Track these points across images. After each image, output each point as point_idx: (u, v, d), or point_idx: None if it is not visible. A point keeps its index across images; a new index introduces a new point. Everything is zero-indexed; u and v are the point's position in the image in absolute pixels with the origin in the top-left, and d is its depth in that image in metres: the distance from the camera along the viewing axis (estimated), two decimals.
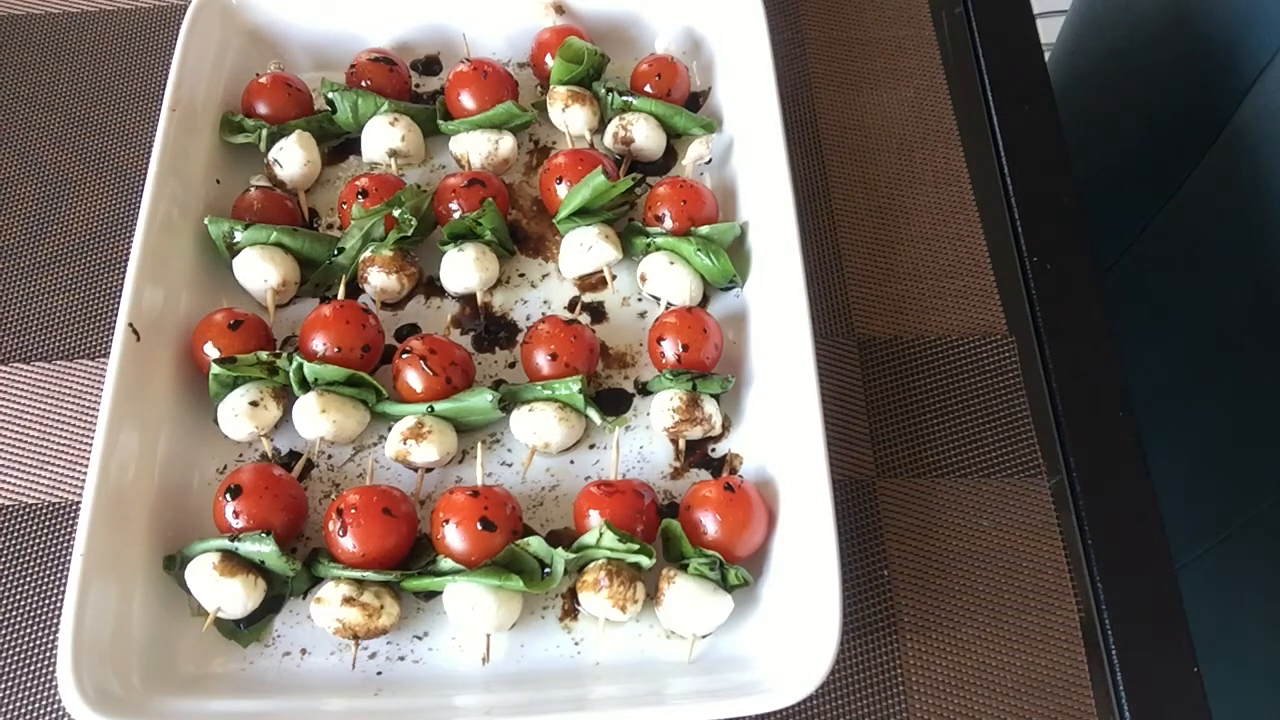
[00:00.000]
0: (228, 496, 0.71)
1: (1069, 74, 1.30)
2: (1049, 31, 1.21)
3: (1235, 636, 1.19)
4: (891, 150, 0.92)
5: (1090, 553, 0.76)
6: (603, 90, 0.89)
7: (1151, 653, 0.73)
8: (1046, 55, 1.03)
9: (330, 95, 0.88)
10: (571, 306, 0.83)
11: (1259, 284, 1.01)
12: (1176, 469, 1.18)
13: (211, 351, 0.77)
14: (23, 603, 0.74)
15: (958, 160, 0.92)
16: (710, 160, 0.88)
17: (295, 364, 0.76)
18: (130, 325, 0.75)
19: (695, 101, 0.93)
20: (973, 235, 0.88)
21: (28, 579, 0.75)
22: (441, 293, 0.84)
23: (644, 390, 0.80)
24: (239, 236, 0.81)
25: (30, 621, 0.74)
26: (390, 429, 0.77)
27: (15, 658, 0.73)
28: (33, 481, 0.79)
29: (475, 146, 0.87)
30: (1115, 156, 1.23)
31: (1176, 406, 1.19)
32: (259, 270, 0.80)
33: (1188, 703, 0.71)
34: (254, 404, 0.75)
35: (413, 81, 0.93)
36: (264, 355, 0.76)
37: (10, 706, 0.71)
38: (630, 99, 0.88)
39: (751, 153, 0.85)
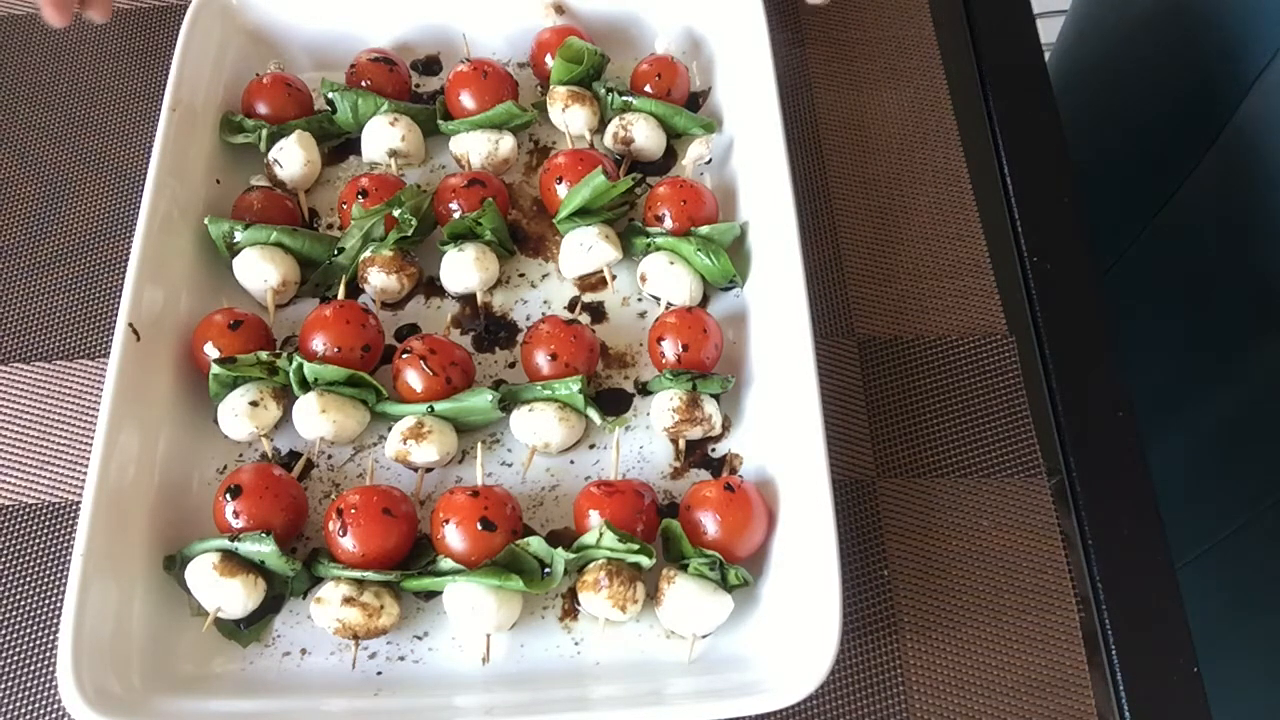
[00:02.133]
0: (228, 496, 0.71)
1: (1069, 74, 1.30)
2: (1049, 31, 1.21)
3: (1235, 636, 1.18)
4: (891, 150, 0.92)
5: (1090, 553, 0.76)
6: (603, 90, 0.89)
7: (1152, 653, 0.73)
8: (1046, 55, 1.03)
9: (330, 95, 0.88)
10: (572, 306, 0.83)
11: (1259, 283, 1.01)
12: (1176, 469, 1.18)
13: (211, 351, 0.77)
14: (23, 603, 0.74)
15: (958, 160, 0.92)
16: (710, 160, 0.88)
17: (295, 364, 0.76)
18: (130, 325, 0.75)
19: (695, 101, 0.93)
20: (973, 235, 0.88)
21: (28, 579, 0.75)
22: (442, 293, 0.84)
23: (644, 390, 0.80)
24: (239, 236, 0.81)
25: (30, 621, 0.74)
26: (390, 429, 0.76)
27: (15, 658, 0.73)
28: (33, 481, 0.79)
29: (475, 146, 0.87)
30: (1116, 156, 1.23)
31: (1176, 406, 1.19)
32: (259, 270, 0.80)
33: (1188, 703, 0.71)
34: (254, 404, 0.75)
35: (413, 81, 0.93)
36: (264, 355, 0.76)
37: (11, 707, 0.71)
38: (630, 99, 0.88)
39: (751, 153, 0.85)
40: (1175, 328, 1.18)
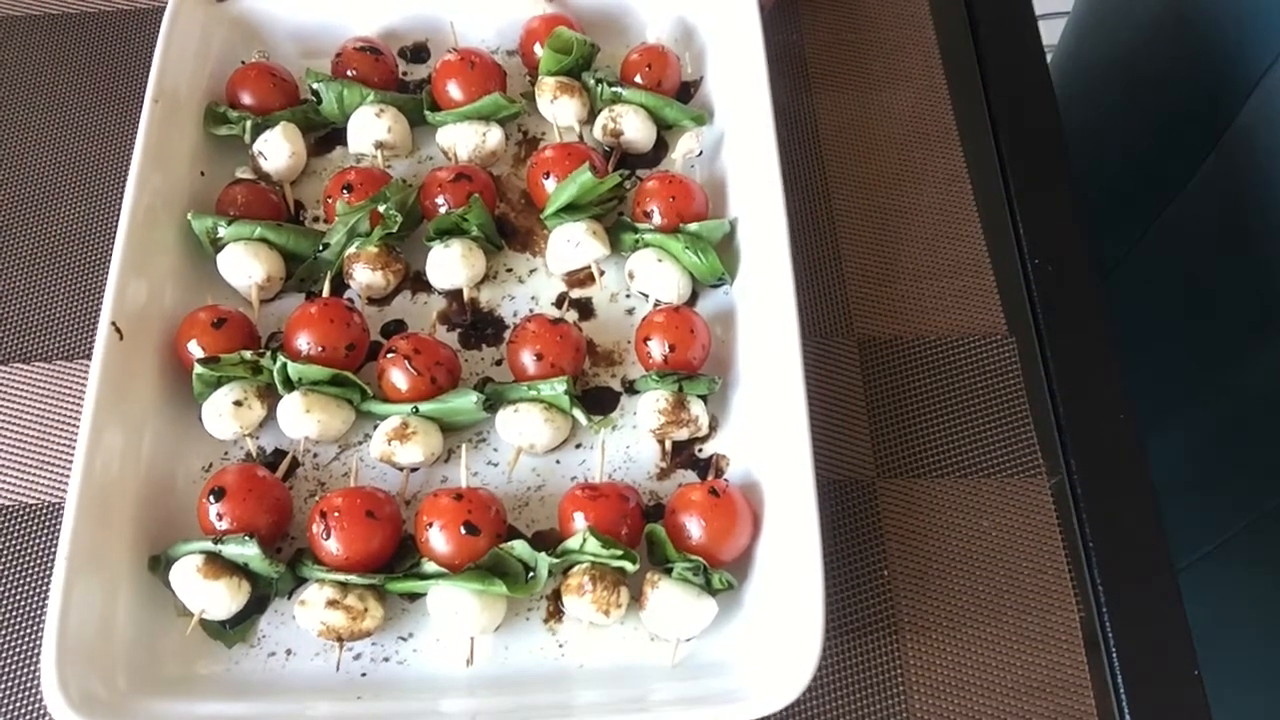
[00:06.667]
0: (211, 499, 0.70)
1: (1071, 75, 1.29)
2: (1051, 33, 1.20)
3: (1236, 638, 1.19)
4: (892, 150, 0.92)
5: (1090, 553, 0.76)
6: (592, 81, 0.88)
7: (1152, 654, 0.73)
8: (1049, 57, 1.02)
9: (315, 85, 0.87)
10: (559, 303, 0.83)
11: (1260, 285, 1.01)
12: (1176, 469, 1.18)
13: (195, 350, 0.76)
14: (23, 604, 0.74)
15: (958, 160, 0.91)
16: (701, 153, 0.87)
17: (279, 363, 0.75)
18: (113, 324, 0.74)
19: (687, 91, 0.91)
20: (973, 235, 0.88)
21: (27, 580, 0.75)
22: (428, 288, 0.83)
23: (631, 388, 0.79)
24: (223, 232, 0.80)
25: (30, 623, 0.74)
26: (375, 428, 0.76)
27: (16, 659, 0.73)
28: (32, 481, 0.78)
29: (463, 139, 0.86)
30: (1117, 157, 1.23)
31: (1177, 407, 1.19)
32: (243, 266, 0.80)
33: (1189, 705, 0.72)
34: (238, 404, 0.75)
35: (400, 69, 0.92)
36: (247, 355, 0.75)
37: (13, 709, 0.71)
38: (620, 90, 0.86)
39: (742, 147, 0.84)
40: (1176, 328, 1.18)
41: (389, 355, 0.76)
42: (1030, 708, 0.71)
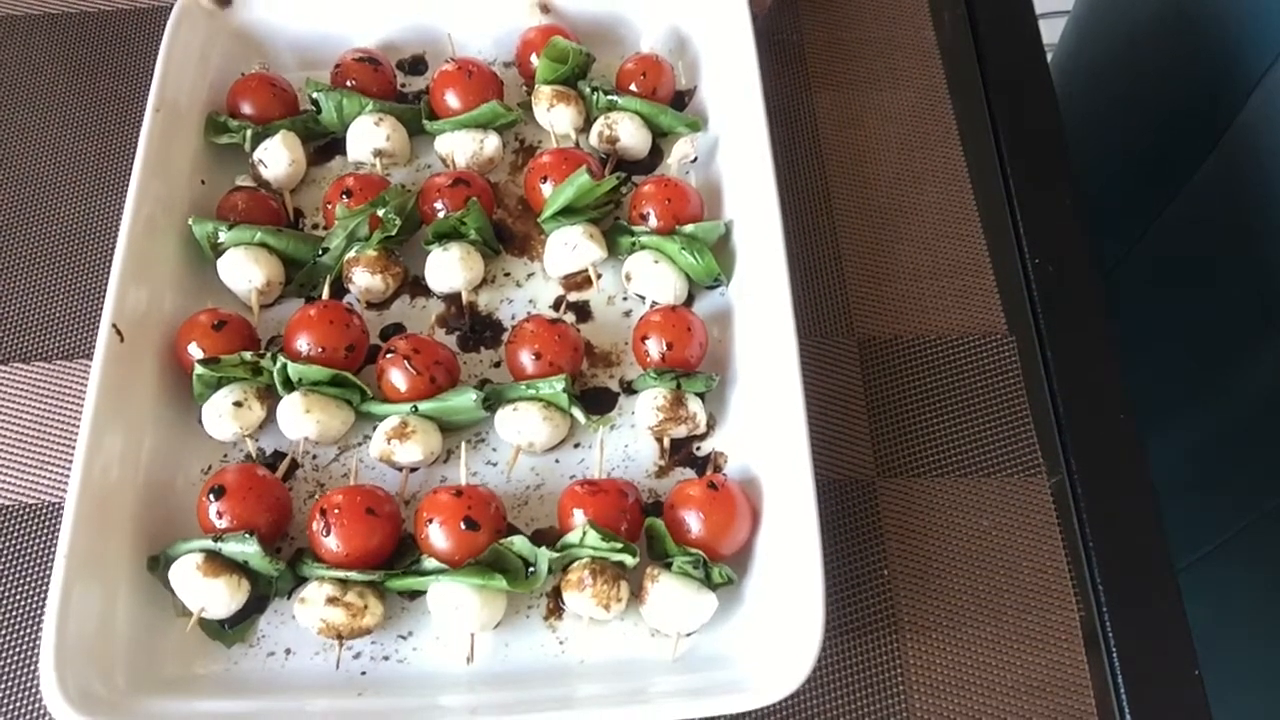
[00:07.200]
0: (211, 497, 0.71)
1: (1071, 74, 1.30)
2: (1052, 32, 1.21)
3: (1236, 638, 1.18)
4: (892, 150, 0.92)
5: (1090, 553, 0.76)
6: (588, 89, 0.89)
7: (1152, 654, 0.73)
8: (1049, 56, 1.03)
9: (315, 95, 0.88)
10: (557, 305, 0.83)
11: (1260, 285, 1.01)
12: (1176, 469, 1.18)
13: (195, 352, 0.76)
14: (23, 603, 0.74)
15: (958, 160, 0.92)
16: (696, 159, 0.87)
17: (279, 364, 0.75)
18: (114, 326, 0.75)
19: (681, 100, 0.92)
20: (973, 235, 0.88)
21: (28, 579, 0.75)
22: (427, 292, 0.84)
23: (629, 389, 0.80)
24: (223, 237, 0.81)
25: (31, 622, 0.74)
26: (375, 429, 0.76)
27: (16, 659, 0.73)
28: (33, 481, 0.79)
29: (460, 146, 0.87)
30: (1118, 156, 1.23)
31: (1178, 407, 1.19)
32: (243, 271, 0.80)
33: (1189, 705, 0.71)
34: (238, 404, 0.75)
35: (398, 81, 0.93)
36: (247, 356, 0.76)
37: (13, 709, 0.71)
38: (615, 98, 0.87)
39: (737, 151, 0.85)
40: (1177, 328, 1.18)
41: (388, 355, 0.76)
42: (1030, 707, 0.70)
